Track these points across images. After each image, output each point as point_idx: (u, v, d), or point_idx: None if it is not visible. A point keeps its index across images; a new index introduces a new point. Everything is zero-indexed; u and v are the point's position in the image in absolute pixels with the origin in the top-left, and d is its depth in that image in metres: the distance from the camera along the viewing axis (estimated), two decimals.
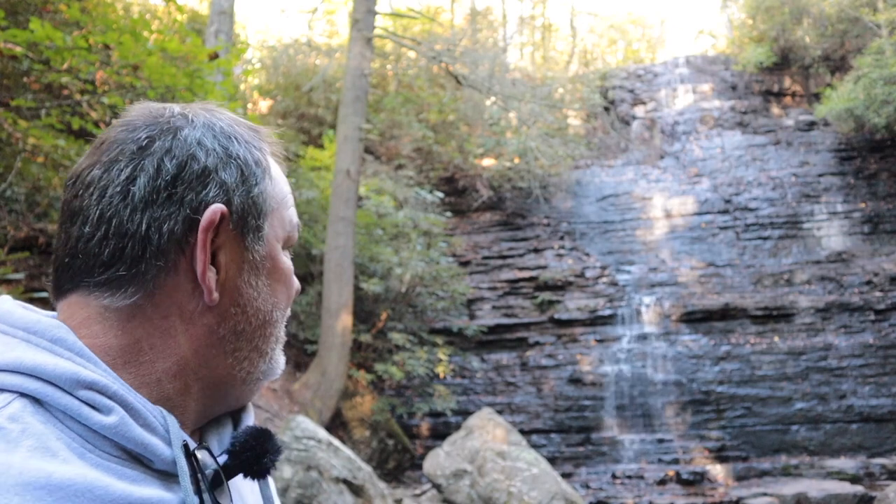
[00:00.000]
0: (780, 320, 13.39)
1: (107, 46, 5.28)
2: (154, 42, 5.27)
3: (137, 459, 0.66)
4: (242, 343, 0.74)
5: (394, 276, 12.37)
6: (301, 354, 11.94)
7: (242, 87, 15.92)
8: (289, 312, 0.81)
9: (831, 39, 19.31)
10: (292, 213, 0.81)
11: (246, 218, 0.74)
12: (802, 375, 12.56)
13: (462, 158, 16.89)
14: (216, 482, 0.71)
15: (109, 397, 0.65)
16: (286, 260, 0.79)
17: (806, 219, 15.75)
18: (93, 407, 0.65)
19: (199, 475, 0.68)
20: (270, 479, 0.81)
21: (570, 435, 12.59)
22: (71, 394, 0.64)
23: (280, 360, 0.79)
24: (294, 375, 11.19)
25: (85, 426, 0.64)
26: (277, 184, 0.80)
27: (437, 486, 8.86)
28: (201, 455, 0.70)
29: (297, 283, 0.81)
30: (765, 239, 15.73)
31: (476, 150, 16.99)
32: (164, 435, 0.68)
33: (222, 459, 0.72)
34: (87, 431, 0.64)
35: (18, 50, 4.93)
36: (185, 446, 0.68)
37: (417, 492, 9.75)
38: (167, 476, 0.67)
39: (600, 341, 13.80)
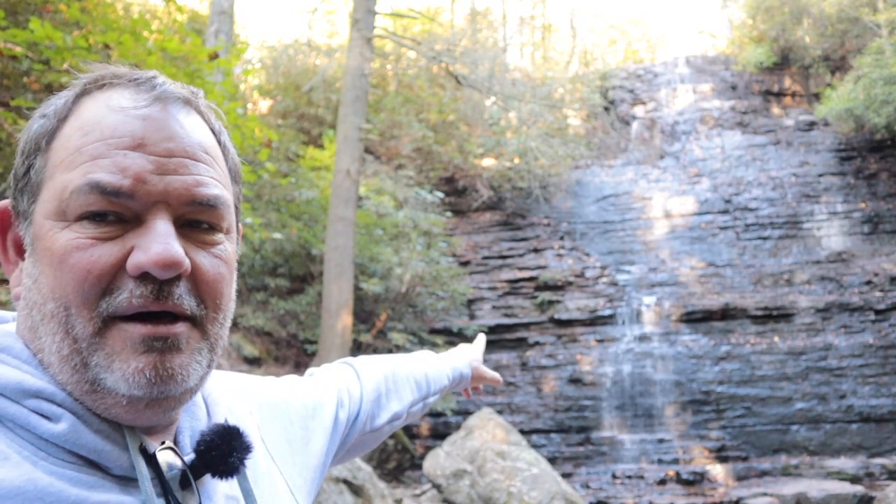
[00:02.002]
0: (780, 320, 13.39)
1: (107, 46, 5.28)
2: (154, 42, 5.28)
3: (96, 465, 0.65)
4: (43, 344, 0.66)
5: (394, 276, 12.37)
6: (301, 354, 11.94)
7: (242, 87, 15.92)
8: (73, 304, 0.64)
9: (831, 39, 19.31)
10: (71, 178, 0.65)
11: (18, 206, 0.70)
12: (802, 375, 12.56)
13: (462, 158, 16.89)
14: (185, 482, 0.69)
15: (58, 404, 0.64)
16: (60, 237, 0.64)
17: (806, 219, 15.75)
18: (42, 415, 0.64)
19: (162, 478, 0.67)
20: (249, 472, 0.78)
21: (570, 435, 12.59)
22: (19, 403, 0.63)
23: (118, 367, 0.63)
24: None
25: (36, 435, 0.63)
26: (68, 139, 0.68)
27: (437, 486, 8.85)
28: (165, 456, 0.68)
29: (80, 263, 0.63)
30: (765, 239, 15.73)
31: (476, 150, 16.99)
32: (121, 439, 0.66)
33: (191, 458, 0.70)
34: (38, 440, 0.63)
35: (18, 50, 4.93)
36: (144, 449, 0.67)
37: (417, 492, 9.75)
38: (127, 481, 0.66)
39: (600, 341, 13.80)
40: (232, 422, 0.81)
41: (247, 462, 0.72)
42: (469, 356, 1.44)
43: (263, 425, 0.89)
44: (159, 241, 0.63)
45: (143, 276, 0.64)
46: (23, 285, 0.68)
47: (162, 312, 0.65)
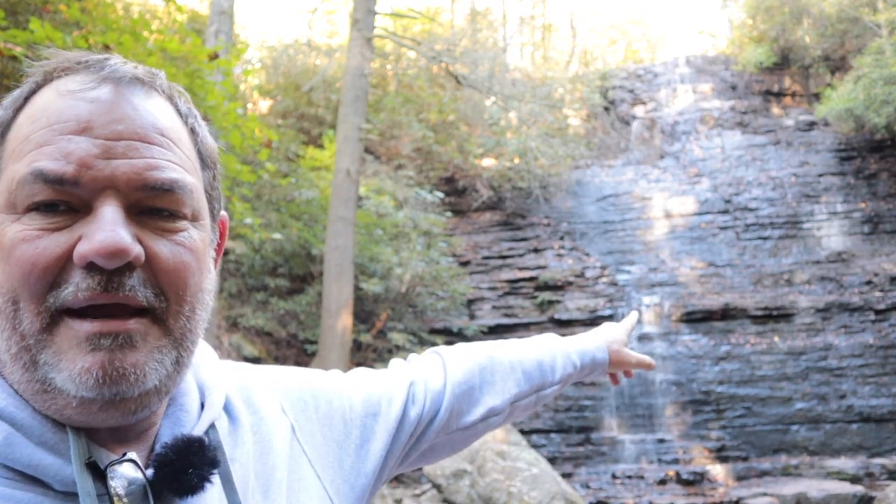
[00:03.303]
0: (780, 320, 13.39)
1: (107, 46, 5.28)
2: (154, 42, 5.28)
3: (38, 481, 0.60)
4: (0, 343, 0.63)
5: (394, 276, 12.37)
6: (301, 354, 11.94)
7: (242, 87, 15.92)
8: (24, 296, 0.61)
9: (831, 39, 19.31)
10: (18, 168, 0.62)
11: None
12: (802, 375, 12.56)
13: (462, 158, 16.89)
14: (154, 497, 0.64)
15: None
16: (9, 231, 0.61)
17: (806, 219, 15.76)
18: None
19: (110, 494, 0.61)
20: (258, 480, 0.73)
21: (570, 435, 12.59)
22: None
23: (66, 366, 0.60)
24: None
25: None
26: (20, 128, 0.65)
27: (437, 486, 8.86)
28: (122, 470, 0.62)
29: (26, 255, 0.60)
30: (765, 239, 15.73)
31: (476, 150, 16.99)
32: (67, 451, 0.61)
33: (151, 473, 0.64)
34: None
35: (18, 50, 4.93)
36: (93, 464, 0.61)
37: (417, 492, 9.75)
38: (73, 497, 0.61)
39: None
40: (246, 422, 0.77)
41: (212, 478, 0.66)
42: (608, 337, 1.24)
43: (302, 424, 0.83)
44: (104, 229, 0.59)
45: (91, 267, 0.60)
46: None
47: (114, 305, 0.61)
